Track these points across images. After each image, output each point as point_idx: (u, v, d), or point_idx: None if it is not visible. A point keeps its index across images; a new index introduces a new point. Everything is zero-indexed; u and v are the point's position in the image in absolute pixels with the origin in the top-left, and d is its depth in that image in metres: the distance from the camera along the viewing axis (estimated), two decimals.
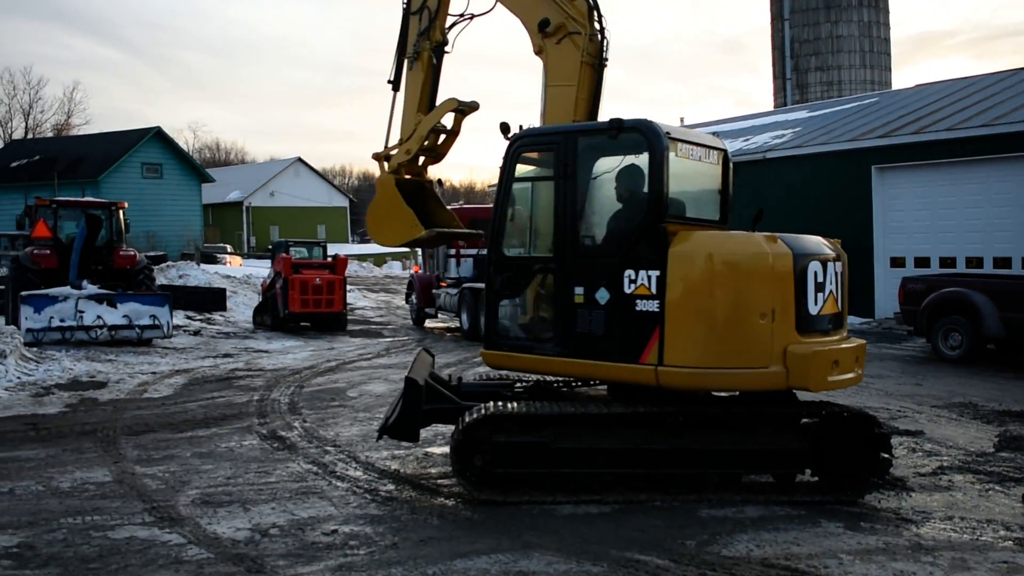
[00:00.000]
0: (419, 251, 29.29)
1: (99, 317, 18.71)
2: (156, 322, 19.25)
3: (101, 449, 9.92)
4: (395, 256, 63.71)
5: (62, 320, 18.39)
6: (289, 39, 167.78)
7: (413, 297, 26.27)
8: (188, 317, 24.69)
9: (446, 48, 10.59)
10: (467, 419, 7.75)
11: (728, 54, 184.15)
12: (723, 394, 8.60)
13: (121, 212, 22.71)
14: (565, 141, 8.22)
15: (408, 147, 10.40)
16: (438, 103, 10.42)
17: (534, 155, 8.85)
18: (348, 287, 25.85)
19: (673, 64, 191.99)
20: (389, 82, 10.81)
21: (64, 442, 10.30)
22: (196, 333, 22.48)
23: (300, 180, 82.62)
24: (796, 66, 46.28)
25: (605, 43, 9.28)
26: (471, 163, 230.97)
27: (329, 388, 14.23)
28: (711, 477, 7.97)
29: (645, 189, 7.92)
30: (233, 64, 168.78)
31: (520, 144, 8.57)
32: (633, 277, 7.78)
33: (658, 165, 7.78)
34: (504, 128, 8.68)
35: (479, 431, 7.74)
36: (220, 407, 12.52)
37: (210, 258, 50.00)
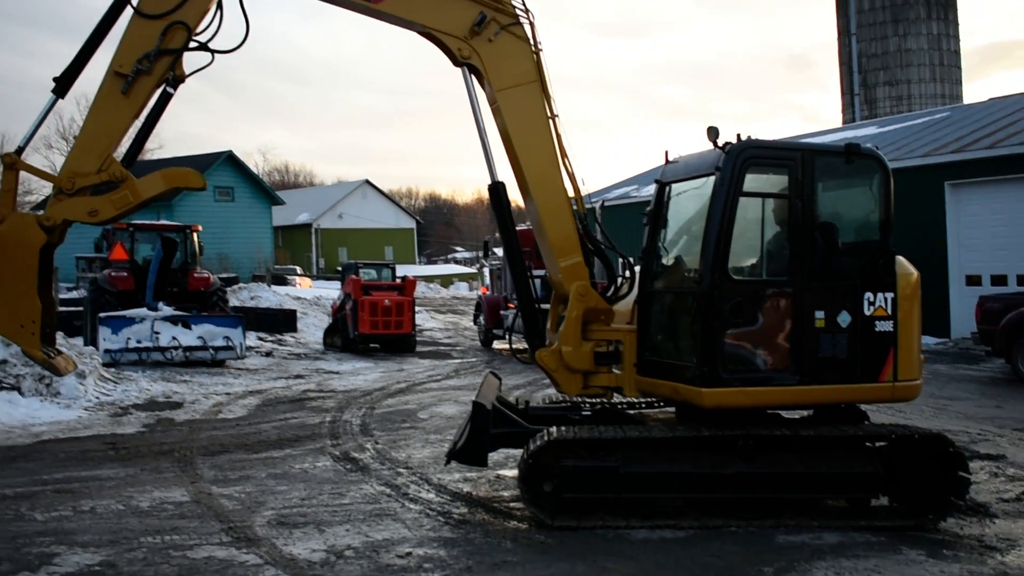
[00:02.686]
0: (487, 271, 29.38)
1: (174, 338, 19.09)
2: (230, 343, 19.59)
3: (178, 469, 10.08)
4: (462, 277, 64.02)
5: (139, 341, 18.79)
6: (353, 63, 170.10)
7: (481, 318, 26.35)
8: (260, 338, 25.05)
9: (176, 89, 8.69)
10: (534, 445, 7.69)
11: (794, 70, 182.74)
12: (792, 416, 8.57)
13: (195, 235, 23.15)
14: (802, 159, 7.90)
15: (99, 207, 8.33)
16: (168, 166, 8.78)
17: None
18: (416, 308, 26.02)
19: (738, 81, 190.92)
20: (55, 80, 8.44)
21: (142, 462, 10.48)
22: (268, 354, 22.78)
23: (367, 202, 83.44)
24: (864, 81, 45.70)
25: (536, 34, 8.67)
26: None
27: (400, 409, 14.31)
28: (784, 502, 7.88)
29: (877, 213, 8.17)
30: (301, 88, 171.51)
31: (748, 156, 7.83)
32: (872, 299, 7.95)
33: (889, 191, 8.11)
34: (713, 133, 7.81)
35: (547, 456, 7.67)
36: (293, 428, 12.66)
37: (280, 280, 50.70)
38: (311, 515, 8.13)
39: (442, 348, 25.60)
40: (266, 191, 62.46)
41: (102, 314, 19.27)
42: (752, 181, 7.92)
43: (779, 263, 8.11)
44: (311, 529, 7.69)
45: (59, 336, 16.33)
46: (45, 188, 78.44)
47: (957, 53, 46.22)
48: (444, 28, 8.56)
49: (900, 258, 8.21)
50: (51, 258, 8.59)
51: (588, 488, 7.69)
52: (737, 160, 7.76)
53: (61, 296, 33.37)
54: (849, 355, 7.92)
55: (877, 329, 7.94)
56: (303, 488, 9.12)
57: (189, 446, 11.35)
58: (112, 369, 17.30)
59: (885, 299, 7.97)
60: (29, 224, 8.17)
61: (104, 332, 18.71)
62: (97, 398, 15.01)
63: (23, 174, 8.61)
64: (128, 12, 8.36)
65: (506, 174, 8.78)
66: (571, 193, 8.73)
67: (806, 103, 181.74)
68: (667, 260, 8.68)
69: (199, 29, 8.49)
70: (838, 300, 7.92)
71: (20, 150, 8.42)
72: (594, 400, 8.99)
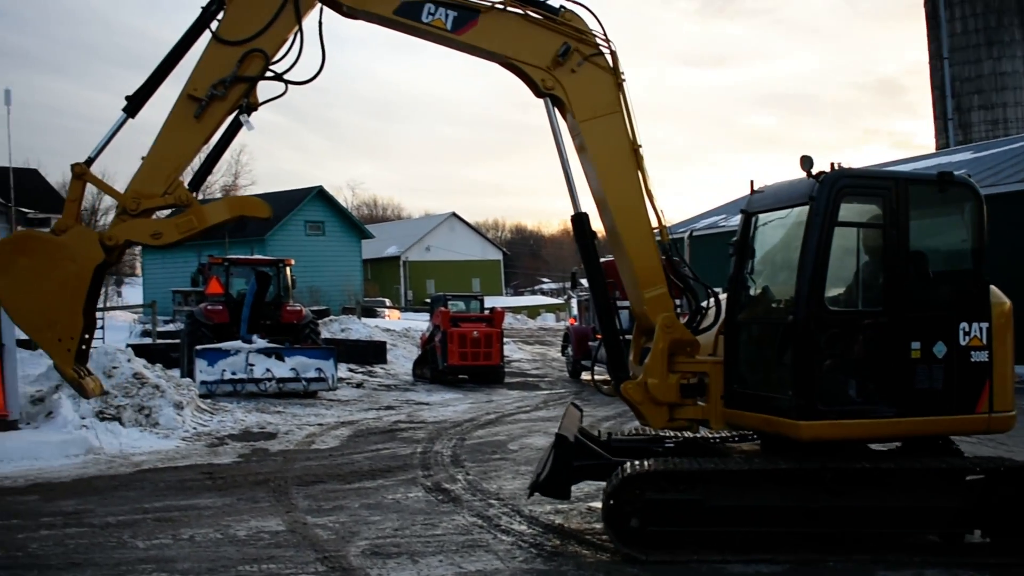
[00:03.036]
0: (574, 302, 29.35)
1: (268, 370, 19.45)
2: (322, 375, 19.87)
3: (274, 499, 10.23)
4: (549, 308, 63.93)
5: (234, 373, 19.19)
6: (438, 96, 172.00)
7: (569, 349, 26.31)
8: (351, 370, 25.35)
9: (249, 117, 8.51)
10: (616, 478, 7.62)
11: (884, 95, 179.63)
12: (879, 448, 8.44)
13: (288, 269, 23.59)
14: (896, 188, 7.83)
15: (163, 230, 8.20)
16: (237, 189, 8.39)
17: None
18: (504, 339, 26.09)
19: (827, 108, 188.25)
20: (127, 99, 8.31)
21: (239, 491, 10.67)
22: (359, 385, 23.04)
23: (455, 234, 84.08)
24: (958, 105, 44.67)
25: (619, 64, 8.62)
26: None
27: (490, 440, 14.34)
28: (873, 536, 7.72)
29: (970, 242, 8.05)
30: (387, 123, 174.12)
31: (843, 186, 7.73)
32: (967, 329, 7.83)
33: (982, 219, 8.01)
34: (807, 163, 7.77)
35: (630, 490, 7.60)
36: (385, 459, 12.76)
37: (370, 312, 51.26)
38: (404, 545, 8.18)
39: (530, 379, 25.60)
40: (356, 225, 63.34)
41: (198, 347, 19.75)
42: (845, 210, 7.80)
43: (874, 293, 7.99)
44: (404, 560, 7.74)
45: (158, 367, 16.83)
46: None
47: None
48: (527, 59, 8.56)
49: (993, 287, 8.06)
50: (103, 277, 8.45)
51: (671, 522, 7.61)
52: (832, 189, 7.66)
53: (159, 329, 34.26)
54: (945, 386, 7.77)
55: (973, 359, 7.79)
56: (396, 518, 9.19)
57: (284, 476, 11.53)
58: (208, 400, 17.67)
59: (980, 329, 7.83)
60: (91, 240, 8.01)
61: (200, 364, 19.16)
62: (194, 428, 15.35)
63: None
64: (206, 36, 8.33)
65: (589, 205, 8.77)
66: (655, 224, 8.66)
67: (897, 129, 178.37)
68: (755, 290, 8.56)
69: (276, 58, 8.40)
70: (933, 330, 7.78)
71: (90, 161, 8.35)
72: (679, 432, 8.91)
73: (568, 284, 20.36)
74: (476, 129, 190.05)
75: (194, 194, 8.45)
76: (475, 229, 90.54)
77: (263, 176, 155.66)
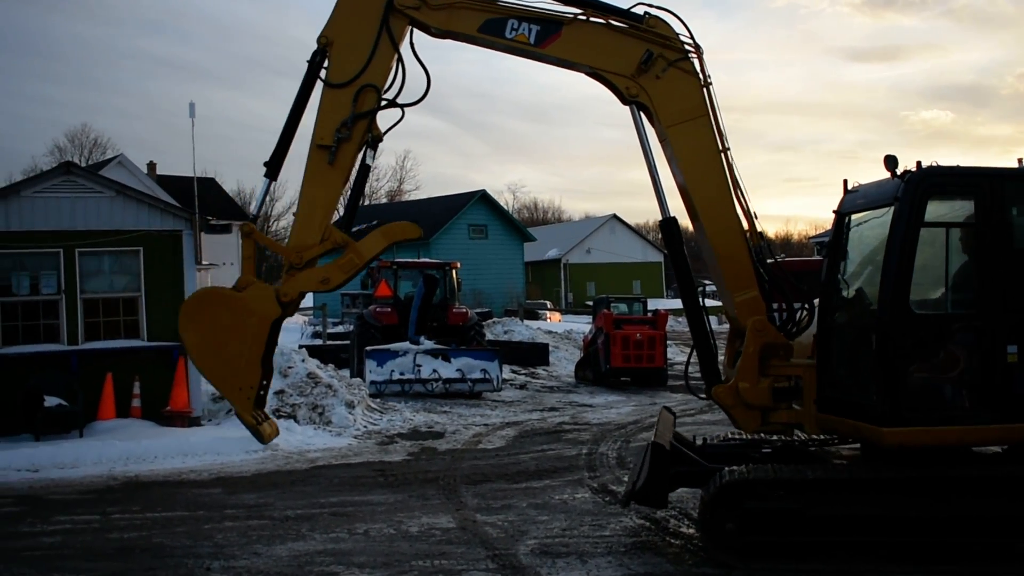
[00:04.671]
0: None
1: (435, 371, 19.82)
2: (487, 376, 20.12)
3: (444, 496, 10.43)
4: (711, 310, 63.01)
5: (402, 373, 19.64)
6: (597, 99, 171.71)
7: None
8: (514, 371, 25.56)
9: (376, 149, 8.85)
10: (713, 486, 7.51)
11: None
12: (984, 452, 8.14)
13: (454, 272, 23.99)
14: (990, 185, 7.59)
15: (329, 275, 8.67)
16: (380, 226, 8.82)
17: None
18: (667, 342, 25.84)
19: (1003, 102, 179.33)
20: (265, 164, 8.80)
21: (409, 488, 10.92)
22: (522, 387, 23.22)
23: (615, 236, 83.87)
24: None
25: (704, 66, 8.56)
26: (786, 213, 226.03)
27: None
28: (977, 546, 7.50)
29: None
30: (546, 126, 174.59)
31: (931, 185, 7.57)
32: None
33: None
34: (892, 162, 7.61)
35: (728, 497, 7.48)
36: (551, 459, 12.84)
37: (532, 314, 51.60)
38: (573, 545, 8.22)
39: (693, 382, 25.25)
40: (517, 228, 63.92)
41: (368, 347, 20.30)
42: (937, 208, 7.65)
43: (966, 295, 7.73)
44: (574, 560, 7.77)
45: (330, 368, 17.38)
46: None
47: None
48: (611, 68, 8.62)
49: None
50: (279, 329, 8.84)
51: (771, 531, 7.48)
52: (918, 189, 7.46)
53: (328, 331, 35.35)
54: None
55: None
56: (564, 519, 9.23)
57: (452, 475, 11.73)
58: (377, 400, 18.13)
59: None
60: (268, 296, 8.47)
61: (370, 364, 19.70)
62: (365, 427, 15.78)
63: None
64: (319, 87, 8.68)
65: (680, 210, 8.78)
66: (746, 226, 8.60)
67: None
68: (847, 293, 8.35)
69: (385, 87, 8.67)
70: None
71: (255, 219, 9.04)
72: (773, 437, 8.80)
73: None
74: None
75: (347, 232, 8.83)
76: (636, 231, 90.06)
77: (427, 180, 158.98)
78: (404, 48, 8.71)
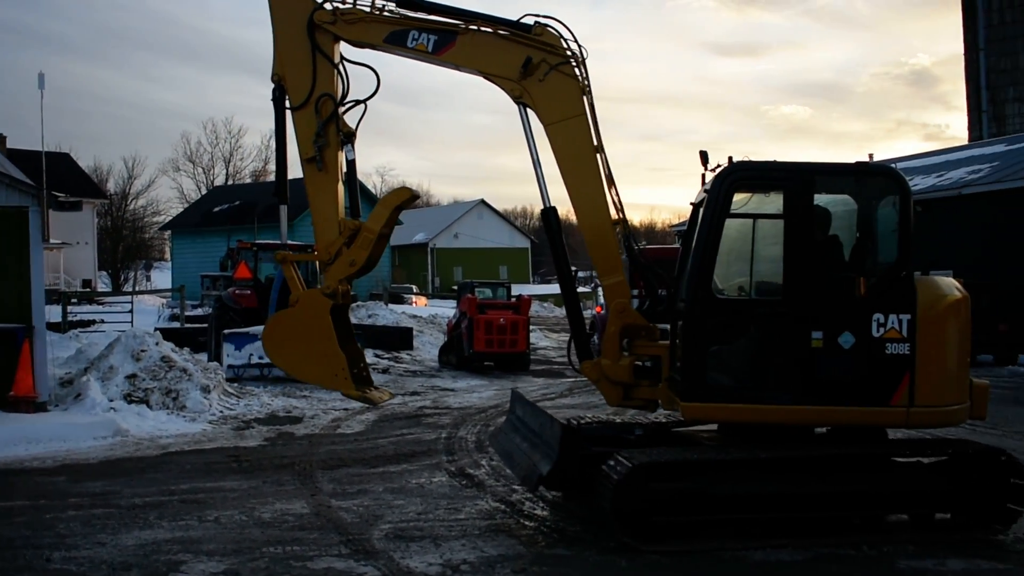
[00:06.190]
0: (600, 291, 29.31)
1: None
2: None
3: (299, 482, 10.29)
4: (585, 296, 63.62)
5: (260, 357, 19.18)
6: (468, 84, 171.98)
7: (595, 338, 26.22)
8: (377, 355, 25.40)
9: (353, 144, 9.89)
10: (623, 468, 7.54)
11: (918, 87, 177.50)
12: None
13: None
14: (799, 180, 7.94)
15: (353, 256, 9.62)
16: (380, 195, 9.75)
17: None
18: (531, 327, 26.07)
19: (859, 99, 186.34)
20: (274, 195, 10.33)
21: (264, 474, 10.74)
22: (385, 371, 23.10)
23: (483, 222, 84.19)
24: (993, 98, 44.11)
25: (585, 71, 9.13)
26: (651, 202, 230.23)
27: None
28: (853, 519, 7.99)
29: (893, 233, 7.98)
30: (416, 110, 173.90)
31: (737, 179, 8.06)
32: (882, 321, 7.79)
33: (907, 209, 7.93)
34: (704, 158, 8.39)
35: (637, 479, 7.55)
36: (409, 444, 12.81)
37: (397, 298, 51.40)
38: (427, 529, 8.21)
39: (556, 367, 25.60)
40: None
41: (226, 331, 19.84)
42: (755, 200, 8.21)
43: (771, 283, 8.17)
44: (427, 543, 7.77)
45: (185, 351, 16.94)
46: (172, 207, 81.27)
47: None
48: (498, 72, 9.28)
49: (938, 279, 8.12)
50: (346, 317, 10.26)
51: (671, 511, 7.61)
52: (725, 182, 7.97)
53: (187, 313, 34.51)
54: (852, 377, 7.81)
55: (888, 352, 7.76)
56: (419, 503, 9.23)
57: (309, 460, 11.59)
58: (235, 384, 17.76)
59: (899, 321, 7.76)
60: (316, 296, 9.65)
61: (228, 348, 19.25)
62: (221, 412, 15.44)
63: None
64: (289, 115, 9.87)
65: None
66: (616, 217, 9.09)
67: (930, 121, 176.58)
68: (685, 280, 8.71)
69: (339, 92, 9.74)
70: (839, 321, 7.81)
71: (284, 247, 10.93)
72: (637, 415, 9.40)
73: (595, 272, 20.29)
74: (506, 117, 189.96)
75: (356, 218, 9.97)
76: (503, 217, 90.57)
77: (295, 161, 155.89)
78: (358, 52, 9.81)
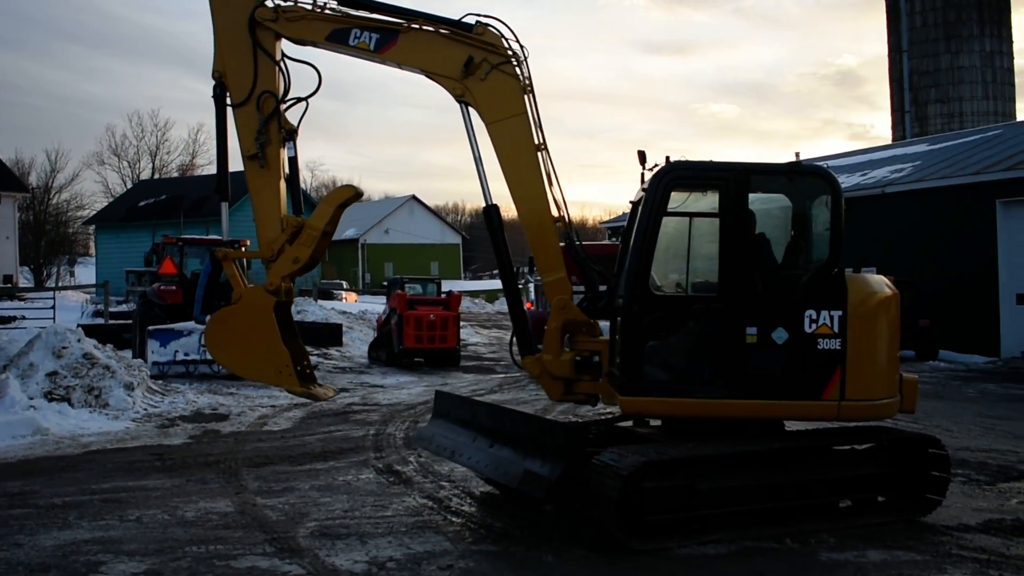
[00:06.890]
0: (532, 287, 29.38)
1: None
2: None
3: (223, 480, 10.18)
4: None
5: (186, 354, 19.00)
6: (399, 79, 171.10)
7: None
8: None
9: (295, 141, 10.05)
10: (624, 468, 7.33)
11: (843, 87, 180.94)
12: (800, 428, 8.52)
13: (244, 249, 23.32)
14: (734, 180, 8.06)
15: (296, 253, 9.77)
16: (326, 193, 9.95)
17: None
18: (461, 323, 26.07)
19: (786, 99, 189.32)
20: (216, 193, 10.49)
21: (188, 473, 10.59)
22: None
23: (414, 218, 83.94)
24: (915, 98, 45.16)
25: (527, 70, 9.23)
26: (582, 199, 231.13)
27: None
28: (794, 509, 8.07)
29: (825, 232, 8.14)
30: (347, 104, 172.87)
31: (674, 178, 8.14)
32: (815, 317, 7.95)
33: (838, 208, 8.08)
34: (642, 157, 8.46)
35: (636, 478, 7.44)
36: (337, 441, 12.73)
37: (327, 294, 51.02)
38: (354, 527, 8.17)
39: (486, 363, 25.63)
40: (314, 207, 62.92)
41: (151, 327, 19.54)
42: (691, 199, 8.35)
43: (707, 280, 8.37)
44: (353, 540, 7.73)
45: (109, 348, 16.62)
46: (96, 201, 79.77)
47: (1010, 70, 45.57)
48: (439, 71, 9.33)
49: (868, 276, 8.31)
50: (289, 314, 10.39)
51: (664, 509, 7.56)
52: (662, 181, 8.10)
53: (111, 309, 33.88)
54: (784, 372, 7.98)
55: (820, 347, 7.95)
56: (346, 500, 9.18)
57: (234, 458, 11.46)
58: (160, 381, 17.49)
59: (831, 317, 7.96)
60: (259, 293, 9.87)
61: (152, 345, 18.96)
62: (145, 410, 15.18)
63: None
64: (230, 111, 9.96)
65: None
66: (557, 214, 9.15)
67: (855, 121, 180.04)
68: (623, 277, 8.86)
69: (281, 90, 9.85)
70: (772, 317, 7.99)
71: (228, 244, 10.91)
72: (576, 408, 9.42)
73: (526, 269, 20.40)
74: (437, 113, 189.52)
75: (298, 216, 10.10)
76: (434, 212, 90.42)
77: (235, 156, 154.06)
78: (299, 49, 9.96)
